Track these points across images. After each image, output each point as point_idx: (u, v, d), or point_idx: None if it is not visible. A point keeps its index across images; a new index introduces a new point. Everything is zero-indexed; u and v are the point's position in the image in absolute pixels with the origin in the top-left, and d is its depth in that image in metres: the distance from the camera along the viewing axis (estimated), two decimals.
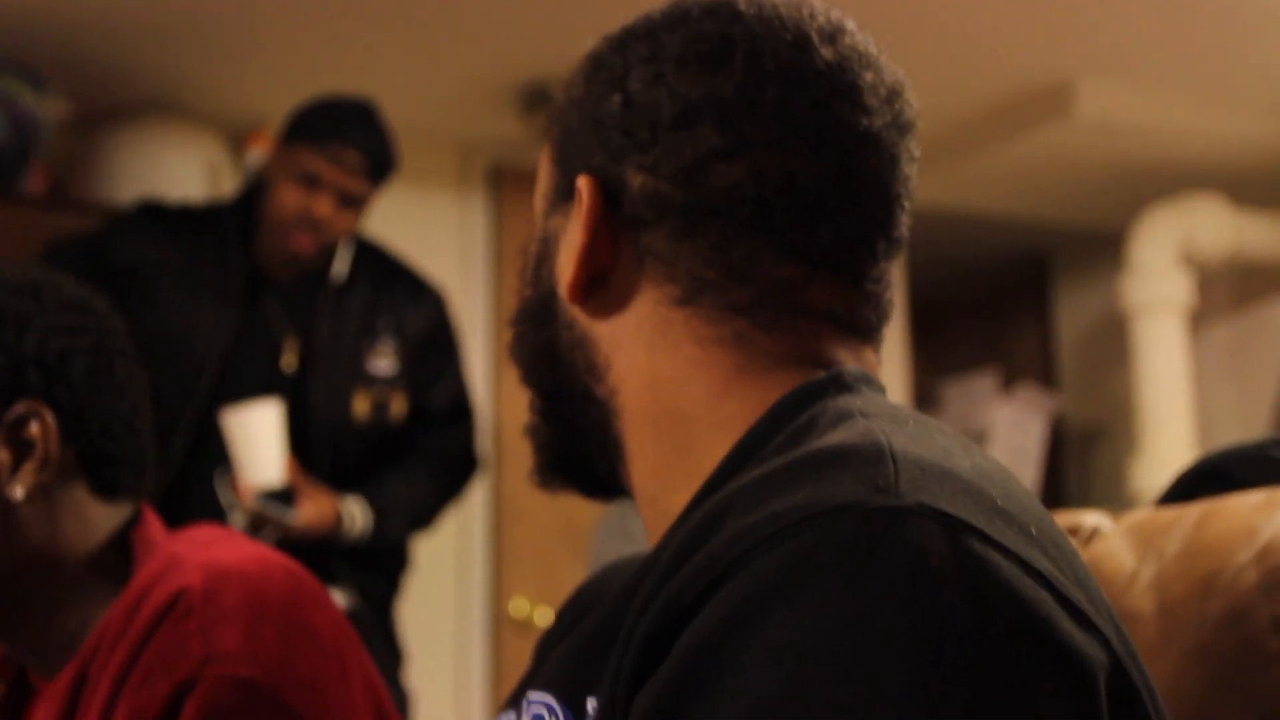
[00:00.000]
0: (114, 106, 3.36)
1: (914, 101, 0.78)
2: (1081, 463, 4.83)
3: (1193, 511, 1.01)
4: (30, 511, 1.11)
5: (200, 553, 1.11)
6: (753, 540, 0.57)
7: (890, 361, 4.23)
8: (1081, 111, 3.66)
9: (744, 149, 0.72)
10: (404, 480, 2.51)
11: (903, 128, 0.76)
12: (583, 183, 0.76)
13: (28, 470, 1.10)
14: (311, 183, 2.38)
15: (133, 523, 1.17)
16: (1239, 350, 4.42)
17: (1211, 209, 4.11)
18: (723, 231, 0.73)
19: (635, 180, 0.74)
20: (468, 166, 3.87)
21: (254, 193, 2.52)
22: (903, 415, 0.68)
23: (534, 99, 3.45)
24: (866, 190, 0.74)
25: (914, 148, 0.77)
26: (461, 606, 3.71)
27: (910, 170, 0.77)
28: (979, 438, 4.62)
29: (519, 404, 0.89)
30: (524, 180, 3.67)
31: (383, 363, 2.50)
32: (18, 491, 1.10)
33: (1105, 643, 0.57)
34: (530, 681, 0.79)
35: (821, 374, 0.72)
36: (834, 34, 0.76)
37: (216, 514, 2.31)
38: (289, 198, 2.38)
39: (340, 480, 2.43)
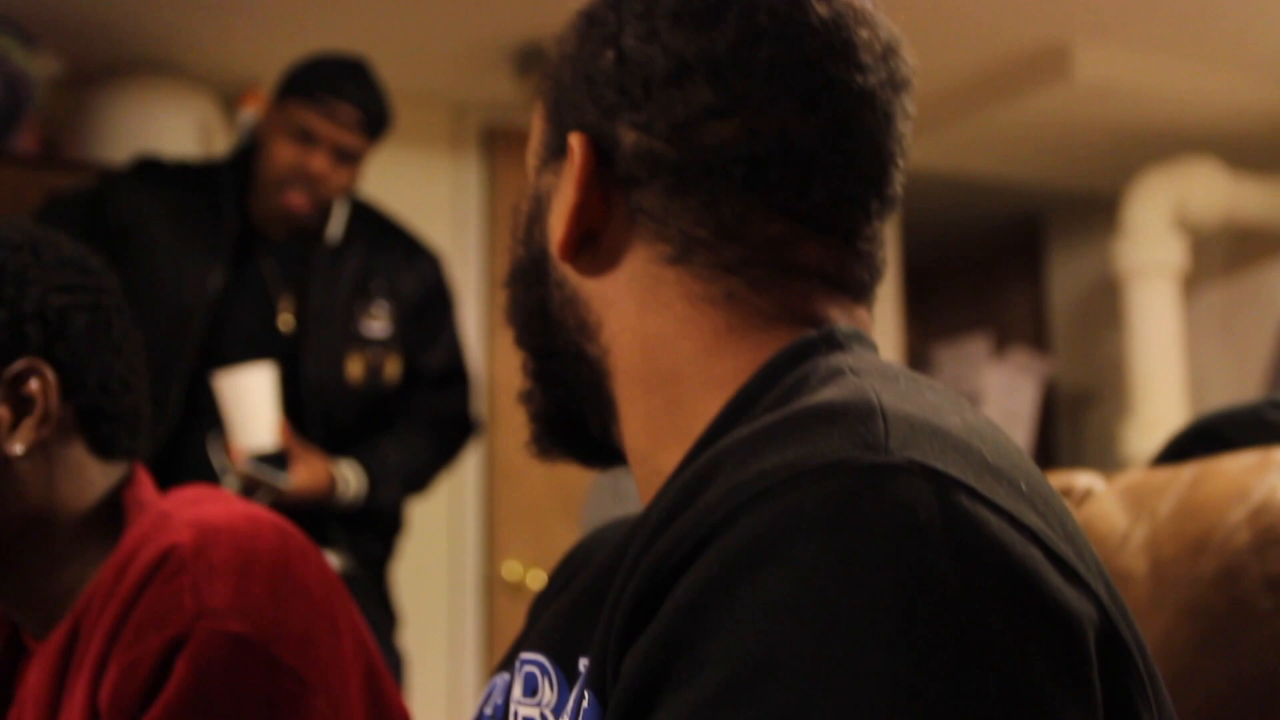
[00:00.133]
0: (106, 65, 3.35)
1: (909, 58, 0.77)
2: (1073, 426, 4.85)
3: (1186, 472, 1.01)
4: (28, 468, 1.11)
5: (190, 510, 1.12)
6: (742, 497, 0.57)
7: (883, 324, 4.23)
8: (1078, 74, 3.65)
9: (737, 107, 0.72)
10: (398, 444, 2.50)
11: (898, 85, 0.76)
12: (574, 140, 0.75)
13: (27, 426, 1.10)
14: (307, 138, 2.37)
15: (125, 482, 1.17)
16: (1231, 314, 4.42)
17: (1206, 173, 4.11)
18: (715, 190, 0.72)
19: (627, 137, 0.74)
20: (461, 127, 3.86)
21: (249, 151, 2.50)
22: (894, 372, 0.68)
23: (528, 60, 3.43)
24: (860, 149, 0.74)
25: (909, 105, 0.77)
26: (454, 569, 3.72)
27: (905, 128, 0.76)
28: (971, 401, 4.63)
29: (513, 366, 0.88)
30: (518, 141, 3.66)
31: (377, 324, 2.49)
32: (17, 447, 1.10)
33: (1095, 598, 0.57)
34: (523, 642, 0.79)
35: (813, 332, 0.72)
36: None
37: (209, 476, 2.31)
38: (284, 154, 2.37)
39: (334, 443, 2.43)
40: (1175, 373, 4.10)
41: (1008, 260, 5.14)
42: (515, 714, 0.75)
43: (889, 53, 0.75)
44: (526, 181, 0.83)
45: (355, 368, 2.46)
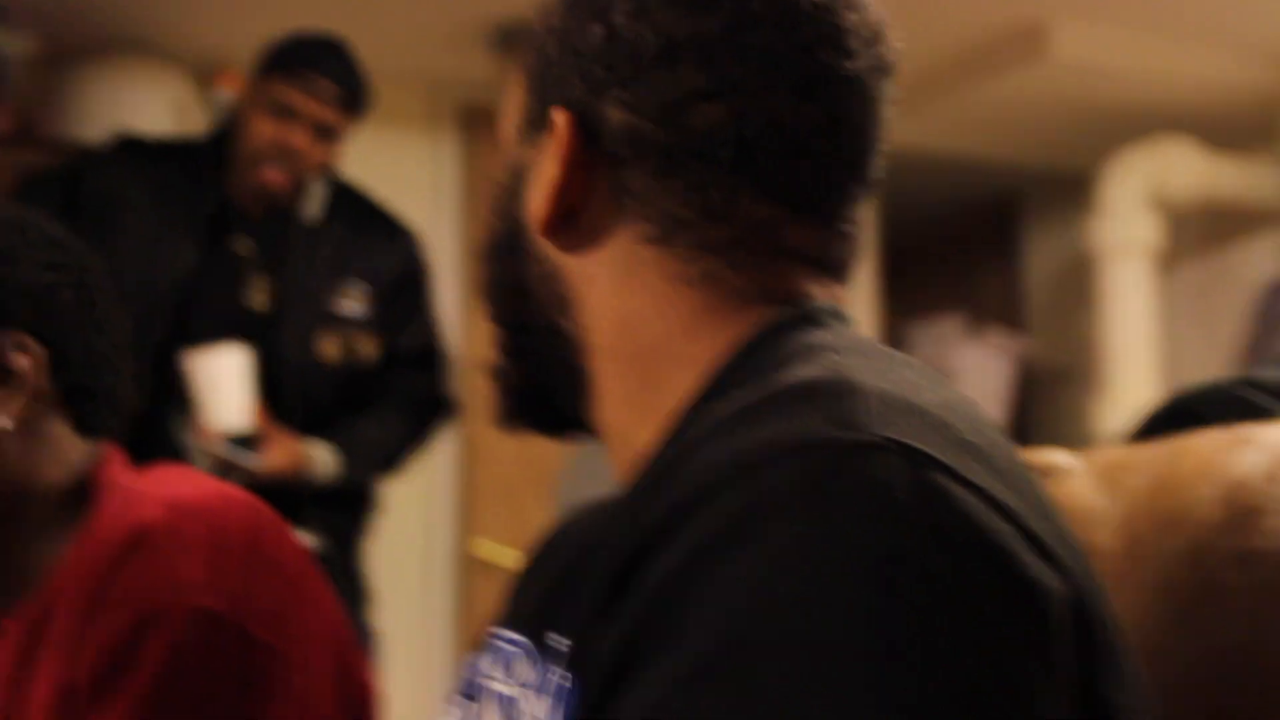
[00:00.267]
0: (81, 44, 3.33)
1: (894, 43, 0.77)
2: (1047, 405, 4.87)
3: (1161, 450, 1.02)
4: (10, 444, 1.11)
5: (161, 489, 1.12)
6: (719, 476, 0.57)
7: (859, 303, 4.24)
8: (1054, 53, 3.66)
9: (728, 91, 0.72)
10: (373, 424, 2.50)
11: (883, 70, 0.76)
12: (559, 115, 0.75)
13: (14, 401, 1.11)
14: (286, 114, 2.37)
15: (98, 460, 1.17)
16: (1206, 293, 4.44)
17: (1182, 151, 4.12)
18: (702, 172, 0.72)
19: (614, 116, 0.73)
20: (438, 106, 3.84)
21: (228, 129, 2.50)
22: (870, 349, 0.68)
23: (505, 38, 3.42)
24: (846, 134, 0.74)
25: (892, 90, 0.77)
26: (428, 548, 3.72)
27: (887, 113, 0.77)
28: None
29: (488, 346, 0.88)
30: (495, 120, 3.66)
31: (353, 305, 2.48)
32: (3, 421, 1.10)
33: (1067, 575, 0.57)
34: (500, 621, 0.79)
35: (790, 309, 0.72)
36: None
37: (179, 457, 2.30)
38: (263, 129, 2.37)
39: (310, 423, 2.42)
40: (1149, 351, 4.12)
41: (983, 239, 5.16)
42: (489, 690, 0.75)
43: (876, 37, 0.76)
44: (503, 153, 0.82)
45: (331, 348, 2.46)
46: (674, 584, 0.55)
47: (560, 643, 0.69)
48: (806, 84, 0.72)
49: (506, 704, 0.73)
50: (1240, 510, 0.88)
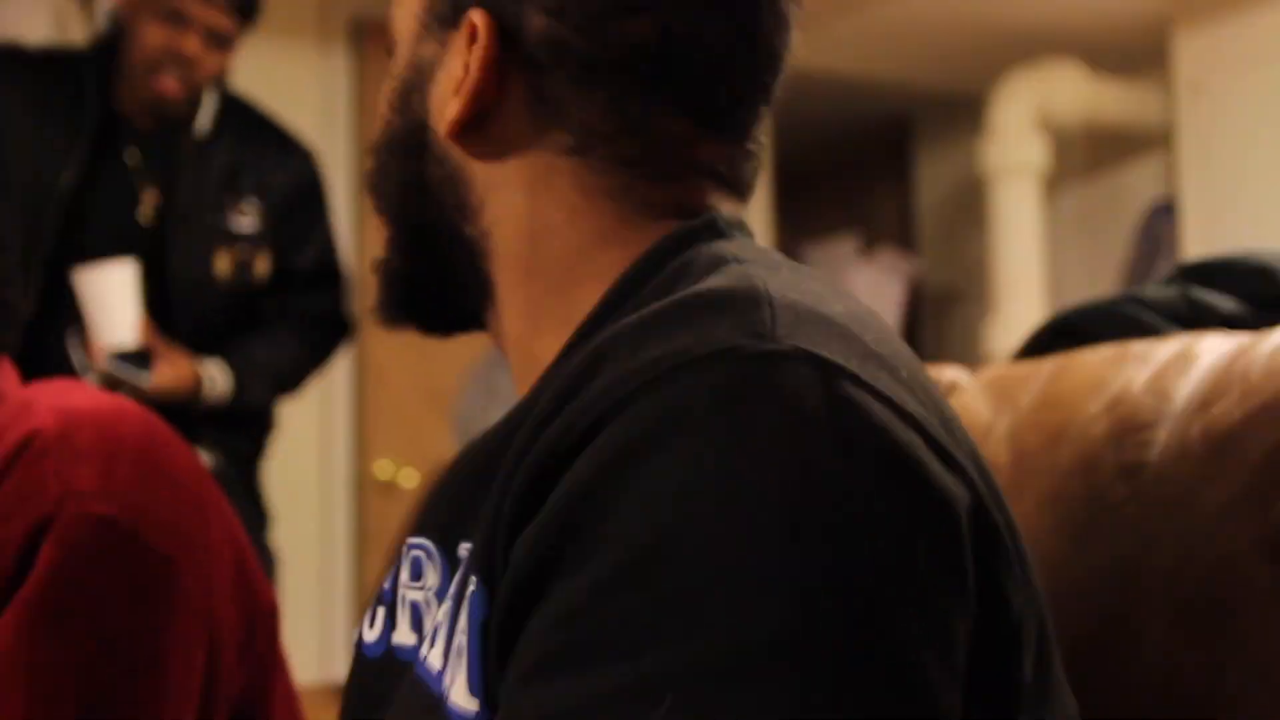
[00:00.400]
0: None
1: None
2: (938, 325, 4.95)
3: (1046, 366, 1.04)
4: None
5: (53, 399, 1.10)
6: (629, 387, 0.57)
7: (754, 223, 4.25)
8: None
9: (653, 5, 0.72)
10: (267, 343, 2.46)
11: None
12: (479, 18, 0.73)
13: None
14: (177, 20, 2.30)
15: None
16: (1090, 215, 4.53)
17: (1068, 74, 4.18)
18: (623, 85, 0.72)
19: (536, 22, 0.72)
20: (329, 19, 3.77)
21: (113, 38, 2.42)
22: (776, 260, 0.69)
23: None
24: (760, 51, 0.75)
25: (797, 9, 0.77)
26: (325, 468, 3.70)
27: (792, 33, 0.77)
28: None
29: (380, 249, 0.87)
30: (388, 31, 3.60)
31: (246, 220, 2.44)
32: None
33: (970, 484, 0.59)
34: (412, 529, 0.79)
35: (698, 221, 0.73)
36: None
37: (69, 374, 2.26)
38: (154, 36, 2.30)
39: (203, 342, 2.38)
40: (1036, 272, 4.20)
41: (876, 160, 5.20)
42: (403, 598, 0.75)
43: None
44: (399, 46, 0.80)
45: (223, 264, 2.41)
46: (589, 493, 0.56)
47: (464, 548, 0.69)
48: (723, 1, 0.73)
49: (415, 611, 0.74)
50: (1124, 424, 0.91)
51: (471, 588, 0.64)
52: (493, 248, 0.76)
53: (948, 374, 1.13)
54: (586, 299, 0.72)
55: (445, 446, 3.07)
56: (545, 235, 0.74)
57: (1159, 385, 0.91)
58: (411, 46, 0.78)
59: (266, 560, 2.44)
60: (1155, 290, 1.14)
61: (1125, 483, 0.88)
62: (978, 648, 0.58)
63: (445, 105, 0.75)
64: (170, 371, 2.29)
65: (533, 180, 0.74)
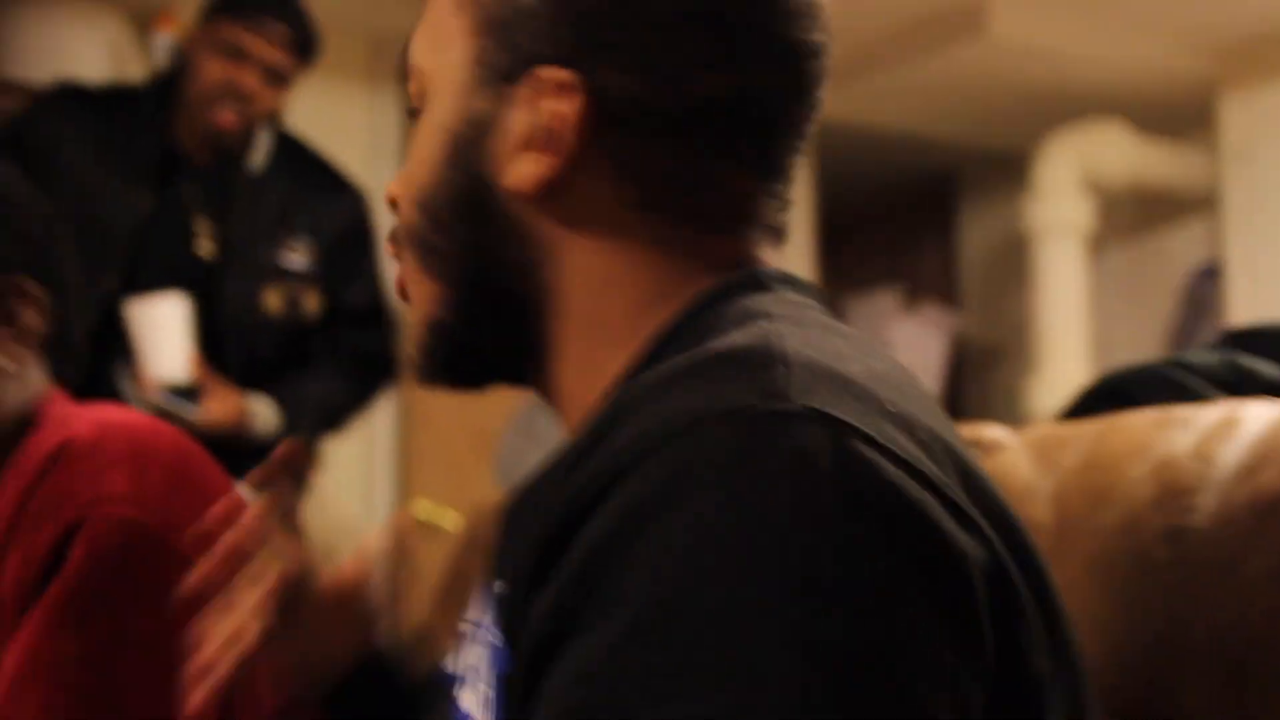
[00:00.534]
0: None
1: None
2: (981, 380, 4.93)
3: (1090, 427, 1.05)
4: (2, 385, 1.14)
5: (90, 413, 1.15)
6: (643, 445, 0.58)
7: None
8: (993, 33, 3.69)
9: (730, 61, 0.72)
10: (315, 380, 2.48)
11: (829, 41, 0.78)
12: (564, 76, 0.72)
13: (17, 345, 1.14)
14: (237, 56, 2.35)
15: (43, 398, 1.19)
16: (1136, 275, 4.52)
17: (1114, 135, 4.18)
18: (697, 140, 0.73)
19: (618, 79, 0.72)
20: (379, 60, 3.81)
21: (172, 74, 2.47)
22: (805, 316, 0.69)
23: None
24: (809, 103, 0.76)
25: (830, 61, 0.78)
26: (368, 508, 3.71)
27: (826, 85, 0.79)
28: None
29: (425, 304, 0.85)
30: None
31: (297, 257, 2.47)
32: (6, 363, 1.13)
33: (986, 542, 0.59)
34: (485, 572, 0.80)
35: (739, 274, 0.73)
36: None
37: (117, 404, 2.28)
38: (214, 71, 2.36)
39: (252, 377, 2.40)
40: (1080, 330, 4.18)
41: (920, 215, 5.20)
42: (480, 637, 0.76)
43: (824, 8, 0.77)
44: (437, 92, 0.78)
45: (274, 300, 2.44)
46: (604, 551, 0.57)
47: (498, 598, 0.71)
48: (786, 55, 0.74)
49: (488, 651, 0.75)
50: (1169, 488, 0.91)
51: (496, 640, 0.65)
52: (553, 304, 0.75)
53: (990, 433, 1.13)
54: (641, 352, 0.73)
55: (490, 489, 3.08)
56: (609, 290, 0.74)
57: (1204, 451, 0.91)
58: (461, 98, 0.76)
59: None
60: (1200, 355, 1.15)
61: (1170, 546, 0.88)
62: (996, 708, 0.58)
63: (515, 162, 0.74)
64: (218, 406, 2.32)
65: (600, 236, 0.74)
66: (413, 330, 0.80)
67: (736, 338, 0.64)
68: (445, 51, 0.77)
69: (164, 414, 2.25)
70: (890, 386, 0.63)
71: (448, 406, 3.76)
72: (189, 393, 2.29)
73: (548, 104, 0.72)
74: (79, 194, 2.34)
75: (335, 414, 2.55)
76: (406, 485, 3.79)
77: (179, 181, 2.42)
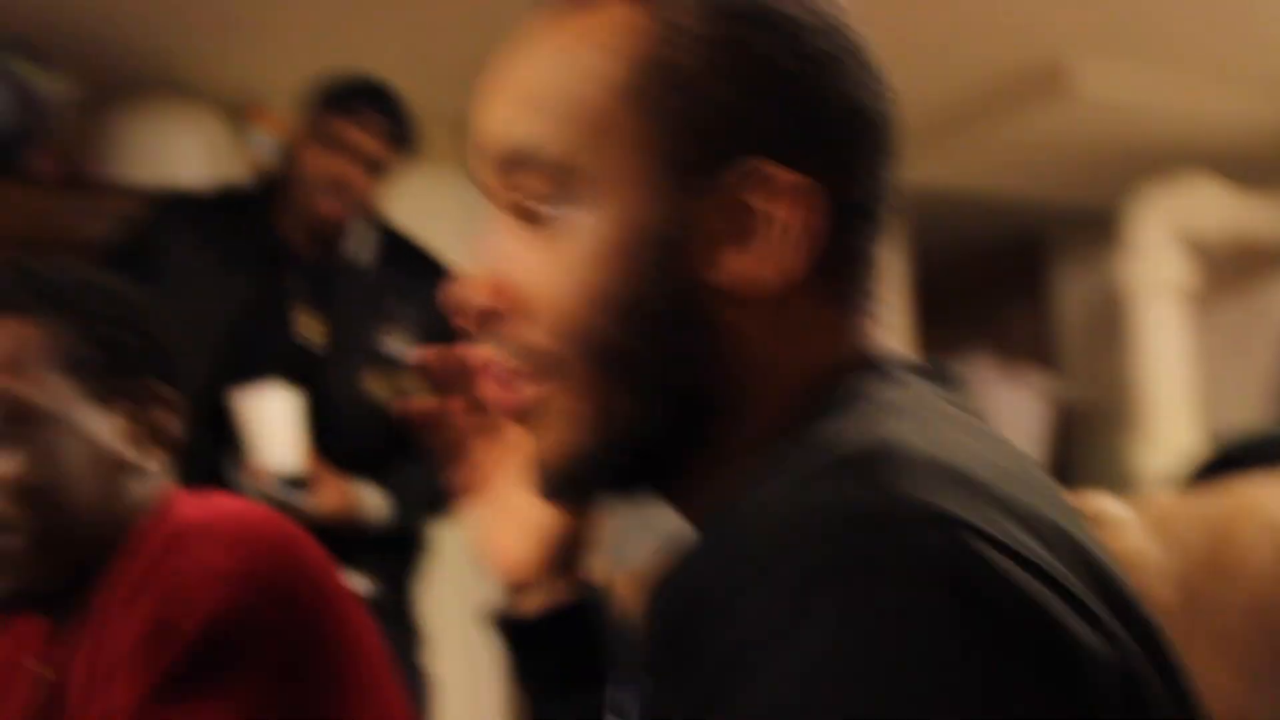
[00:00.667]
0: (117, 85, 3.38)
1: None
2: (1083, 444, 4.85)
3: (1212, 499, 1.04)
4: (126, 479, 1.21)
5: (200, 500, 1.22)
6: (766, 550, 0.60)
7: (890, 344, 4.23)
8: (1078, 90, 3.68)
9: (895, 153, 0.75)
10: (423, 468, 2.51)
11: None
12: (793, 177, 0.70)
13: (142, 438, 1.22)
14: (339, 147, 2.43)
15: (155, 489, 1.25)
16: (1239, 331, 4.44)
17: (1207, 189, 4.14)
18: (872, 230, 0.75)
19: (835, 177, 0.72)
20: (468, 144, 3.86)
21: (275, 172, 2.56)
22: (926, 409, 0.70)
23: None
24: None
25: None
26: (480, 591, 3.70)
27: None
28: None
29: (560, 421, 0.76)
30: None
31: (400, 345, 2.51)
32: (152, 466, 1.22)
33: (1114, 639, 0.59)
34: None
35: (866, 367, 0.74)
36: None
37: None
38: (318, 162, 2.44)
39: (359, 465, 2.44)
40: (1185, 390, 4.12)
41: (1011, 277, 5.16)
42: None
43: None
44: (595, 190, 0.72)
45: (378, 387, 2.48)
46: (732, 664, 0.58)
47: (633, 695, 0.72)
48: (891, 136, 0.77)
49: None
50: None
51: None
52: (737, 403, 0.73)
53: (1105, 505, 1.13)
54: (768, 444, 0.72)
55: (597, 569, 3.07)
56: (794, 380, 0.73)
57: None
58: (650, 194, 0.71)
59: (418, 681, 2.47)
60: None
61: None
62: None
63: (730, 260, 0.71)
64: (330, 496, 2.35)
65: (793, 329, 0.73)
66: (554, 453, 0.75)
67: (851, 434, 0.65)
68: (612, 147, 0.72)
69: (276, 503, 2.29)
70: (1012, 480, 0.63)
71: None
72: (300, 483, 2.33)
73: (770, 202, 0.71)
74: (189, 293, 2.40)
75: (442, 499, 2.57)
76: None
77: (283, 273, 2.48)
